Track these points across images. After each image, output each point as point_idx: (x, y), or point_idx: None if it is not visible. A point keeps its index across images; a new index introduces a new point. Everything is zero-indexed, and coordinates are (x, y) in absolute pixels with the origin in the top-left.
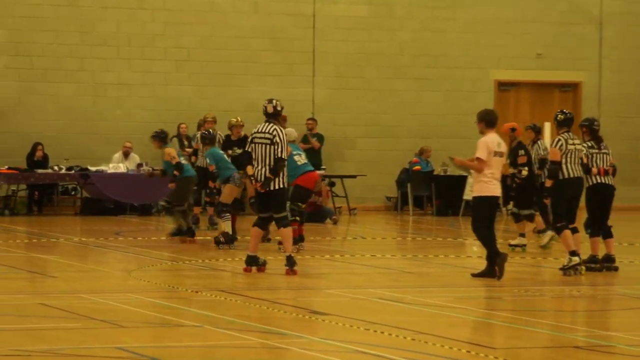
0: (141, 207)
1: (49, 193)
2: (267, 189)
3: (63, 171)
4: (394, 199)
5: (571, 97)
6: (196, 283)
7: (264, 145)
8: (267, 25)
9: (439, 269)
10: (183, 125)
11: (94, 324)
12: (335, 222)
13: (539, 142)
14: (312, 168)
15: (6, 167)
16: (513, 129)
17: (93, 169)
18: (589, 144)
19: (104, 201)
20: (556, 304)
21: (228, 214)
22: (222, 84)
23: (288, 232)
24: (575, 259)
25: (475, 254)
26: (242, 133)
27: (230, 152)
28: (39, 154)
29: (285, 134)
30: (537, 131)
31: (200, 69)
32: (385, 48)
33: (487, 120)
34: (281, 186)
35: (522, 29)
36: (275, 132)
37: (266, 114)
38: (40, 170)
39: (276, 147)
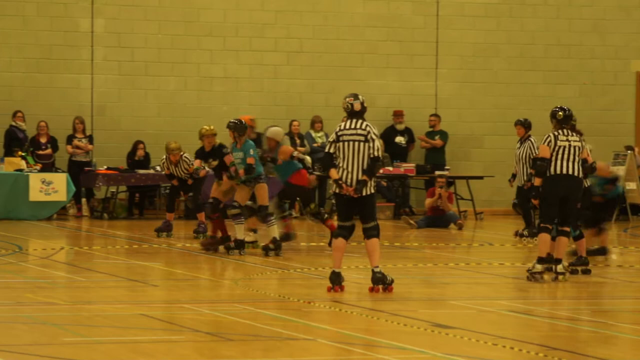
0: None
1: (150, 195)
2: (360, 194)
3: None
4: None
5: None
6: (309, 293)
7: (356, 143)
8: (385, 13)
9: (572, 280)
10: (295, 123)
11: (198, 336)
12: (460, 228)
13: (530, 138)
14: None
15: (105, 167)
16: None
17: None
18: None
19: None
20: None
21: (272, 218)
22: (336, 77)
23: (376, 244)
24: (538, 267)
25: (614, 263)
26: (217, 142)
27: (206, 165)
28: (140, 153)
29: (274, 134)
30: (528, 127)
31: (313, 61)
32: (516, 37)
33: None
34: (373, 191)
35: None
36: (369, 129)
37: (352, 112)
38: (141, 171)
39: (371, 144)
